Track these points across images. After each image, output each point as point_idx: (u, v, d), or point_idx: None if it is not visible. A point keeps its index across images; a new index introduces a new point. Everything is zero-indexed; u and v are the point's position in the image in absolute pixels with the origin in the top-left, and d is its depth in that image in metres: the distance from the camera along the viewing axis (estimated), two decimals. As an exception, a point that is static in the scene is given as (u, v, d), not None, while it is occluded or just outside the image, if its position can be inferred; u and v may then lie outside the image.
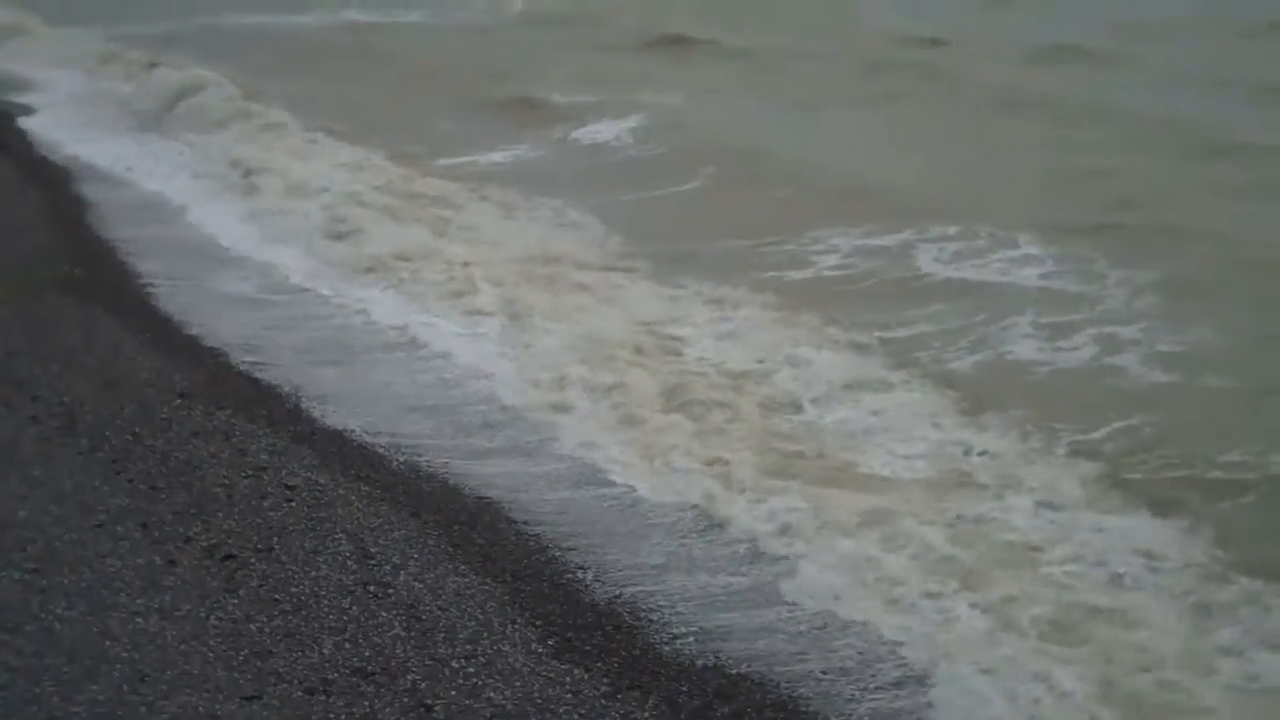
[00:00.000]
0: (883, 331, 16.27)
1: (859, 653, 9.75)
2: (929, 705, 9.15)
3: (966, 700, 9.16)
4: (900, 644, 9.78)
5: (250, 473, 11.58)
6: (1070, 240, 19.13)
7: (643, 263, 19.17)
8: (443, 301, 17.31)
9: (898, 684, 9.39)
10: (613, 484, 12.27)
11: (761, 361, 15.15)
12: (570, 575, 10.66)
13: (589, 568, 10.81)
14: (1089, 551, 11.02)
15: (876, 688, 9.36)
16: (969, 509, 11.74)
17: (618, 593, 10.45)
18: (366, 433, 13.07)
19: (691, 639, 9.90)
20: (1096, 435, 13.18)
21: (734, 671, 9.52)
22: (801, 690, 9.35)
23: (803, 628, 10.10)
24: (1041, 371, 15.16)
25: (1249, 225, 19.68)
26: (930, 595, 10.39)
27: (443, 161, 26.15)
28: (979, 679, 9.35)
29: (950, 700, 9.17)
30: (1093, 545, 11.11)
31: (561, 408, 13.95)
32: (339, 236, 19.93)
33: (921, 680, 9.38)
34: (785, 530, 11.36)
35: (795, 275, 18.81)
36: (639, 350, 15.47)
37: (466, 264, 18.45)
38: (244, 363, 14.81)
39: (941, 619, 10.09)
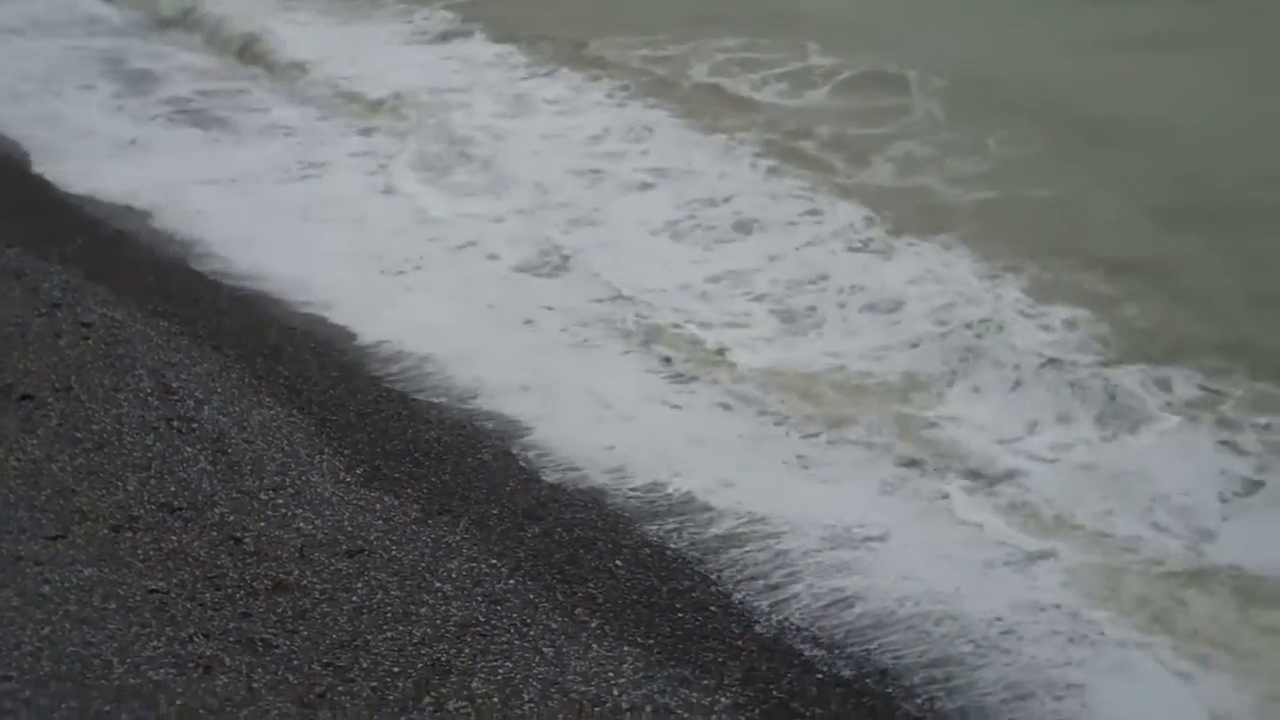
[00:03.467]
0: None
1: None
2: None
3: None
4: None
5: (44, 311, 11.31)
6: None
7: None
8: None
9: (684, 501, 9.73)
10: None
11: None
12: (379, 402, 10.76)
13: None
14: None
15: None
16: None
17: (427, 417, 10.58)
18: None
19: (498, 463, 10.08)
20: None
21: (542, 493, 9.74)
22: (610, 504, 9.63)
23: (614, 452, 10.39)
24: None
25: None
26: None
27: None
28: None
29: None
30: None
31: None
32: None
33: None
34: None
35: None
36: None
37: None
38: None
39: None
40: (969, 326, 11.74)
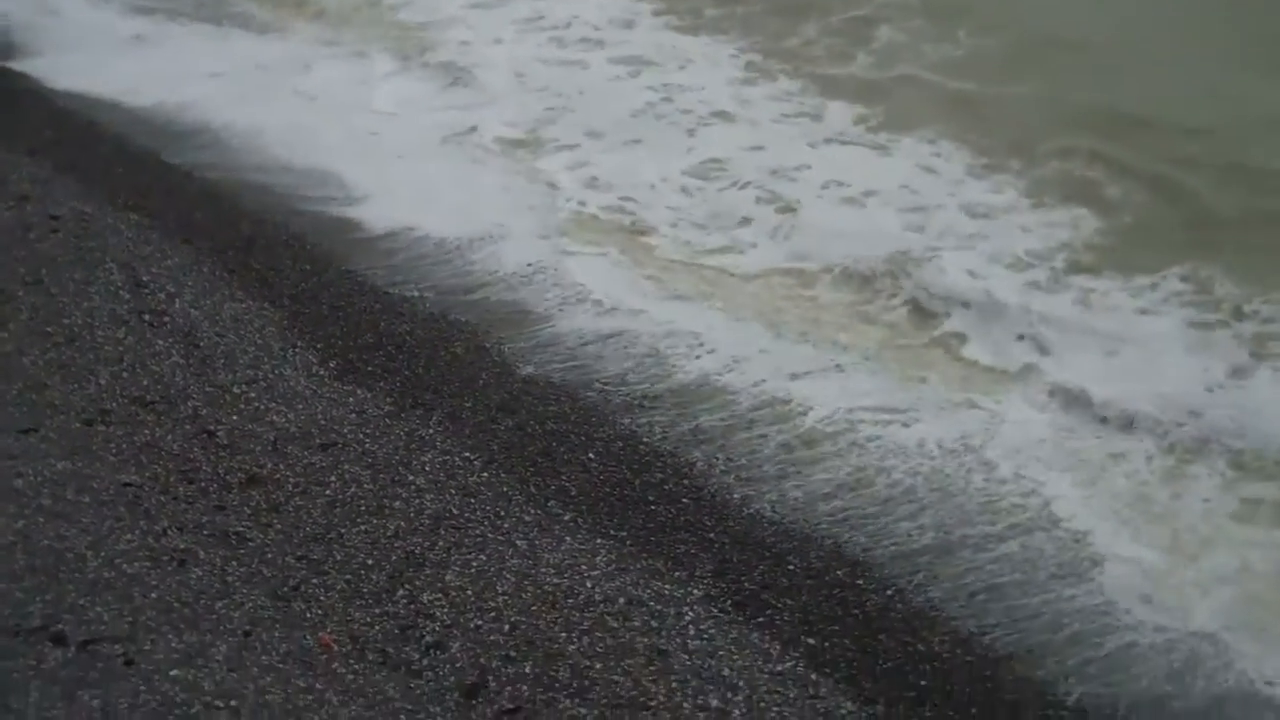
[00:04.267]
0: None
1: (632, 358, 10.16)
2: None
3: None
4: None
5: (12, 203, 11.18)
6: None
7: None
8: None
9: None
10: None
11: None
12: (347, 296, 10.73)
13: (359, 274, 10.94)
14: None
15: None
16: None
17: (400, 310, 10.56)
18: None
19: (471, 357, 10.09)
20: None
21: (515, 387, 9.75)
22: (584, 396, 9.65)
23: (584, 345, 10.40)
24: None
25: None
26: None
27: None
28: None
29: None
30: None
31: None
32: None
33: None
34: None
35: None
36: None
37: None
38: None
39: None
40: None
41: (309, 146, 13.42)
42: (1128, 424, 9.48)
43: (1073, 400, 9.73)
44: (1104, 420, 9.55)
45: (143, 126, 13.78)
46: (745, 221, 12.24)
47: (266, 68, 15.49)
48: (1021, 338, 10.44)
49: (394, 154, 13.46)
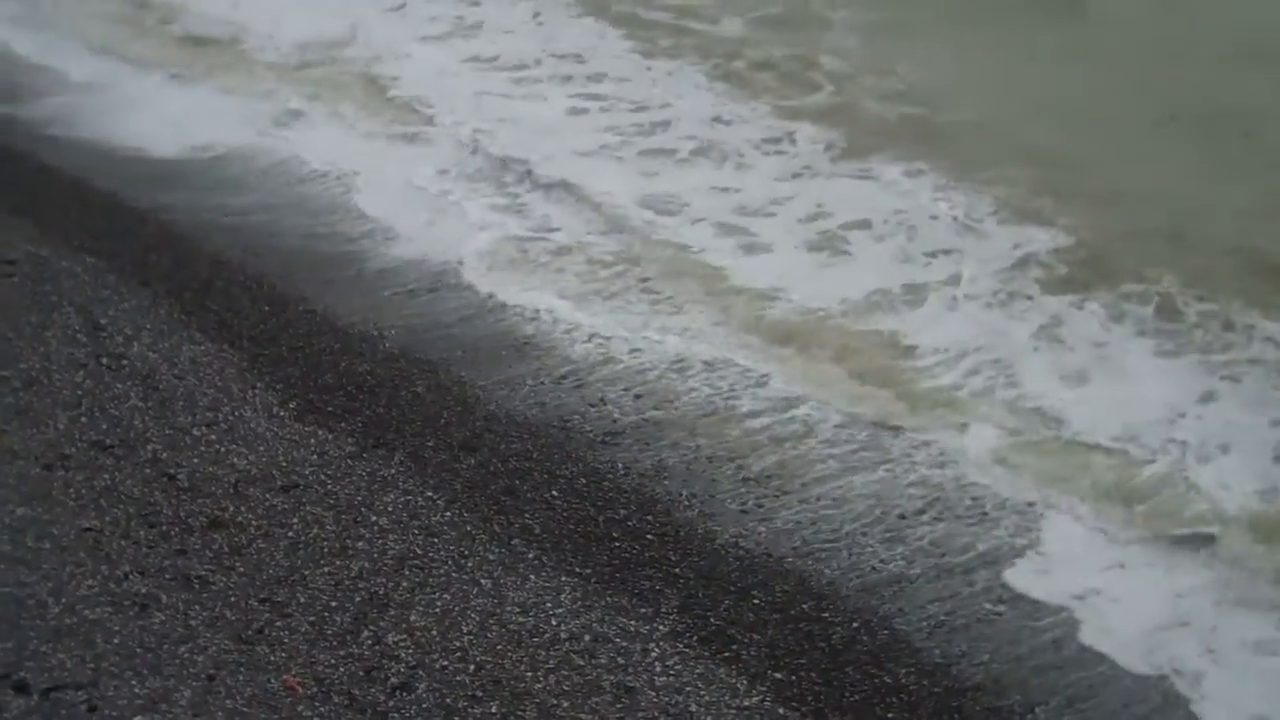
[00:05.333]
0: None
1: (601, 399, 10.18)
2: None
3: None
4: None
5: (-34, 249, 11.11)
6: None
7: None
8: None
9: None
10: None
11: None
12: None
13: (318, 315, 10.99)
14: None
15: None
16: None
17: (360, 350, 10.55)
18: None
19: (432, 395, 10.08)
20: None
21: (477, 424, 9.75)
22: (543, 439, 9.66)
23: (545, 382, 10.43)
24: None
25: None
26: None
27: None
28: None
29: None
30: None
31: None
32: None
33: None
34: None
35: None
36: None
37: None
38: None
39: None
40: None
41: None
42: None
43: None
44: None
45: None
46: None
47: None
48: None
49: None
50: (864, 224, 12.89)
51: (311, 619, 7.54)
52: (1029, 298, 11.56)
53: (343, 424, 9.55)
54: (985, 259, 12.15)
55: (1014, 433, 9.89)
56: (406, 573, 8.02)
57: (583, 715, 7.07)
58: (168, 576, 7.69)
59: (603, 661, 7.49)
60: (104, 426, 9.05)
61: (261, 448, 9.11)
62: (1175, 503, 9.20)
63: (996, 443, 9.78)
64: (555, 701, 7.14)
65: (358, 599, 7.74)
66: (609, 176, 13.70)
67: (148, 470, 8.69)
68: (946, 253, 12.33)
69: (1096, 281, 11.69)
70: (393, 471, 9.06)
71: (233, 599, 7.61)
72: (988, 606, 8.32)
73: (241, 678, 6.99)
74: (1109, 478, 9.42)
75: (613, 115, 15.18)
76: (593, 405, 10.16)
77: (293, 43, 17.03)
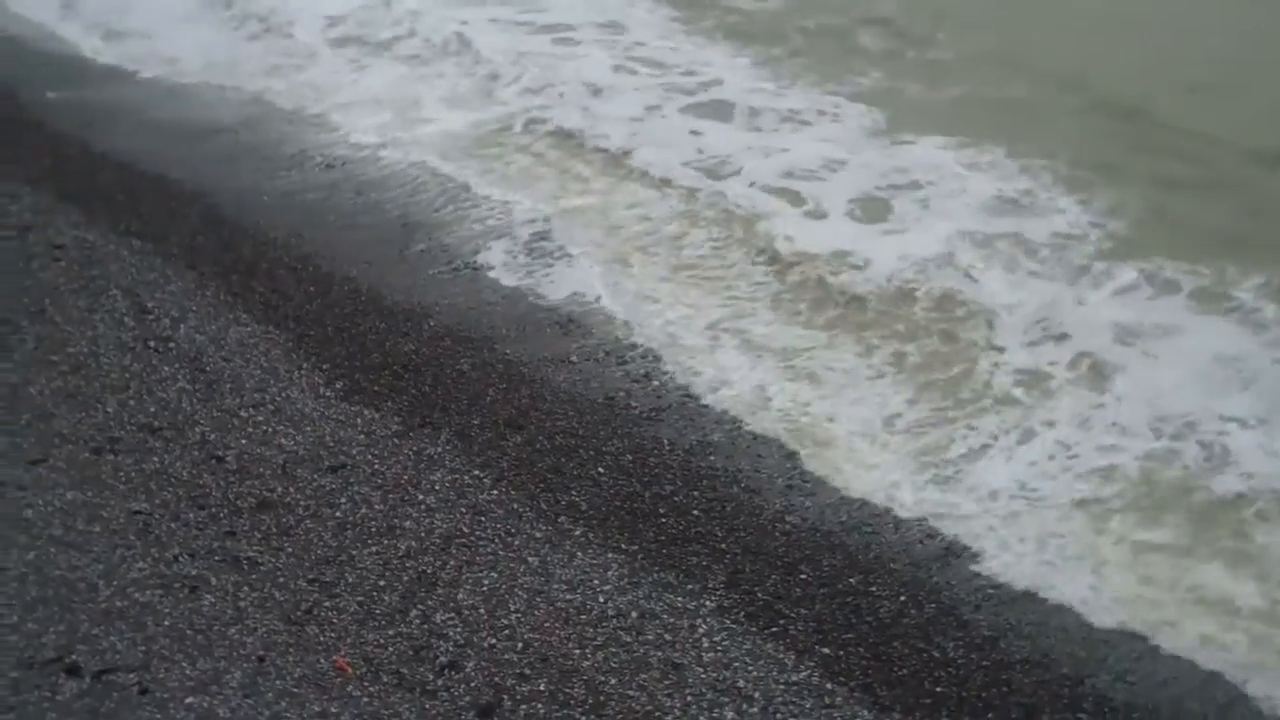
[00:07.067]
0: None
1: (645, 375, 10.17)
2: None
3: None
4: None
5: (14, 234, 11.19)
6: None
7: None
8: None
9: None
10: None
11: None
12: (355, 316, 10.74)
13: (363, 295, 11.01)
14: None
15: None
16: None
17: (405, 329, 10.57)
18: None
19: (477, 373, 10.08)
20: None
21: (523, 402, 9.75)
22: (588, 416, 9.65)
23: (590, 359, 10.42)
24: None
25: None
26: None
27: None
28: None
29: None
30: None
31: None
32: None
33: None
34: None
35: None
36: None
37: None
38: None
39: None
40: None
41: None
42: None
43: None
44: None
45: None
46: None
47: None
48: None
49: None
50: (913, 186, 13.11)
51: (360, 599, 7.58)
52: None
53: (389, 403, 9.57)
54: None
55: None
56: (454, 551, 8.04)
57: (630, 692, 7.07)
58: (217, 558, 7.75)
59: (650, 638, 7.48)
60: (152, 409, 9.11)
61: (308, 428, 9.15)
62: None
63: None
64: (603, 679, 7.14)
65: (405, 578, 7.77)
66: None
67: (196, 452, 8.75)
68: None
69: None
70: (439, 450, 9.08)
71: (281, 580, 7.66)
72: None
73: (291, 658, 7.04)
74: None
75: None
76: (637, 381, 10.14)
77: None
